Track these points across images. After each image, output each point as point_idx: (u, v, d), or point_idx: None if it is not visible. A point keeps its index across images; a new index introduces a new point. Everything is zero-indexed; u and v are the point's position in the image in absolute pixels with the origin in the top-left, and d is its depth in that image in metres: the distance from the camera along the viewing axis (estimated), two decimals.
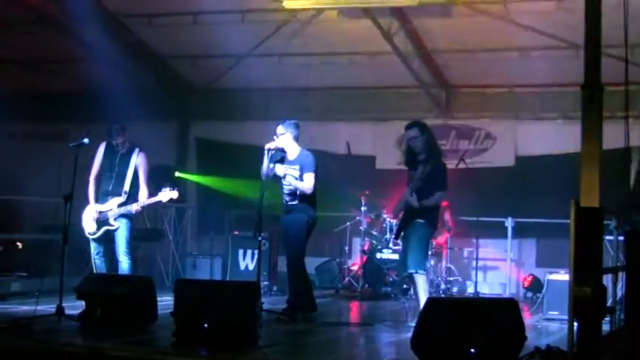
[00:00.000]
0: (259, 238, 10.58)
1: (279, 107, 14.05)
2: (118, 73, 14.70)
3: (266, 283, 13.85)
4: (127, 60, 14.88)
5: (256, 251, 11.69)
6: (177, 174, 16.01)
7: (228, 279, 14.42)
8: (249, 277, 13.49)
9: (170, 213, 16.00)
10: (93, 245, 11.12)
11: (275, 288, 14.09)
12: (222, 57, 15.58)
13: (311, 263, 13.41)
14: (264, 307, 10.11)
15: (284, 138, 10.51)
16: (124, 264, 10.99)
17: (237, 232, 14.90)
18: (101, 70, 14.56)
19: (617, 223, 8.28)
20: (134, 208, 10.94)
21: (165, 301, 9.37)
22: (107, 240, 11.08)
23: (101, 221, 10.95)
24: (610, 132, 7.30)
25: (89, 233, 11.06)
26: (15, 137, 18.00)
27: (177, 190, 11.14)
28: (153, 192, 11.05)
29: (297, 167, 10.47)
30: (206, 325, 8.16)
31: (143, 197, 11.00)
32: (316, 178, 10.50)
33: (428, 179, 9.63)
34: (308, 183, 10.40)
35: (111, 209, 10.96)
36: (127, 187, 11.04)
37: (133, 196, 11.02)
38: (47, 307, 9.83)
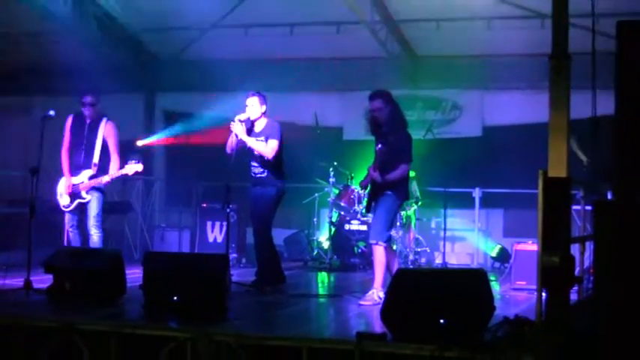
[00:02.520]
0: (227, 210, 10.59)
1: (246, 79, 13.99)
2: (84, 45, 14.59)
3: (235, 255, 13.86)
4: (93, 32, 14.77)
5: (225, 223, 11.67)
6: (138, 143, 15.91)
7: (196, 251, 14.42)
8: (218, 250, 13.48)
9: (138, 185, 15.94)
10: (67, 217, 11.10)
11: (244, 260, 14.11)
12: (188, 28, 15.51)
13: (279, 235, 13.47)
14: (233, 279, 10.14)
15: (254, 109, 10.49)
16: (95, 237, 10.97)
17: (205, 205, 14.87)
18: (67, 43, 14.44)
19: (584, 193, 8.33)
20: (103, 180, 10.91)
21: (134, 274, 9.35)
22: (80, 212, 11.05)
23: (74, 194, 10.93)
24: (576, 102, 7.31)
25: (64, 206, 11.04)
26: None
27: (142, 163, 11.13)
28: (122, 163, 11.03)
29: (263, 138, 10.45)
30: (175, 297, 8.15)
31: (114, 167, 10.98)
32: (281, 147, 10.48)
33: (391, 152, 9.61)
34: (270, 147, 10.37)
35: (82, 182, 10.94)
36: (95, 158, 11.00)
37: (103, 168, 10.99)
38: (15, 281, 9.79)
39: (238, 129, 10.34)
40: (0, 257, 12.13)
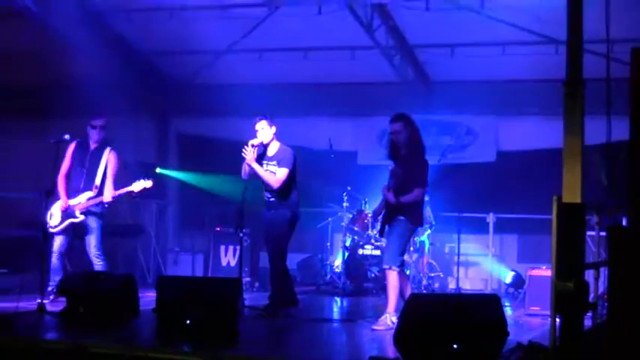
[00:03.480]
0: (241, 235, 10.60)
1: (260, 103, 14.01)
2: (97, 68, 14.63)
3: (248, 279, 13.84)
4: (106, 55, 14.81)
5: (238, 247, 11.67)
6: (158, 170, 15.95)
7: (210, 275, 14.41)
8: (231, 274, 13.50)
9: (151, 209, 15.96)
10: (57, 240, 11.09)
11: (257, 284, 14.08)
12: (201, 52, 15.54)
13: (293, 259, 13.45)
14: (246, 303, 10.15)
15: (265, 133, 10.52)
16: (98, 266, 11.01)
17: (219, 228, 14.87)
18: (80, 65, 14.48)
19: (598, 219, 8.31)
20: (104, 198, 10.94)
21: (147, 297, 9.35)
22: (69, 238, 11.06)
23: (67, 214, 10.92)
24: (590, 128, 7.31)
25: (52, 226, 11.03)
26: None
27: (152, 180, 11.18)
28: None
29: (275, 163, 10.48)
30: (188, 321, 8.16)
31: (109, 192, 11.02)
32: (293, 173, 10.51)
33: (407, 175, 9.62)
34: (277, 177, 10.39)
35: (79, 202, 10.96)
36: (97, 181, 11.09)
37: (102, 192, 11.05)
38: (28, 304, 9.80)
39: (249, 156, 10.36)
40: (13, 280, 12.17)
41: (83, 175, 11.14)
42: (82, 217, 11.03)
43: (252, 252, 14.42)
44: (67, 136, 10.56)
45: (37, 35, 14.39)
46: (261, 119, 10.58)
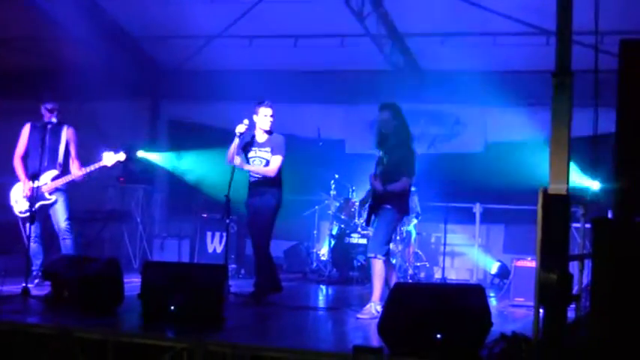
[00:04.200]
0: (227, 221, 10.59)
1: (250, 89, 13.96)
2: (89, 52, 14.60)
3: (234, 266, 13.84)
4: (98, 39, 14.78)
5: (224, 234, 11.67)
6: (139, 153, 15.78)
7: (196, 261, 14.40)
8: (217, 260, 13.48)
9: (138, 194, 15.92)
10: (30, 227, 10.98)
11: (243, 271, 14.08)
12: (192, 37, 15.51)
13: (279, 246, 13.50)
14: (232, 290, 10.15)
15: (271, 120, 10.52)
16: (67, 241, 10.98)
17: (205, 215, 14.86)
18: (72, 49, 14.45)
19: (584, 211, 8.32)
20: (77, 174, 10.89)
21: (133, 283, 9.34)
22: (43, 219, 11.01)
23: (34, 197, 10.81)
24: (578, 119, 7.31)
25: (20, 212, 10.97)
26: None
27: (124, 153, 11.13)
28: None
29: (268, 149, 10.49)
30: (173, 307, 8.16)
31: (76, 170, 10.98)
32: (283, 161, 10.50)
33: (394, 165, 9.62)
34: (273, 165, 10.42)
35: (45, 183, 10.91)
36: (60, 159, 11.04)
37: (65, 171, 11.02)
38: (12, 288, 9.78)
39: (237, 161, 10.37)
40: None
41: (45, 154, 10.97)
42: (53, 198, 10.97)
43: (239, 239, 14.43)
44: (53, 119, 10.54)
45: (29, 19, 14.36)
46: (269, 105, 10.55)
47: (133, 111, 16.70)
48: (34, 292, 9.53)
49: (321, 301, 12.00)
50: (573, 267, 7.12)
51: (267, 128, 10.55)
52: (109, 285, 8.99)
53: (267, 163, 10.52)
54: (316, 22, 14.45)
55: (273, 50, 15.48)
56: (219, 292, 8.35)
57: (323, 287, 13.33)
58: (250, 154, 10.61)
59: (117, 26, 15.57)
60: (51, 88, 15.30)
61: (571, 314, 7.36)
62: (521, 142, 14.86)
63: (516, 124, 15.00)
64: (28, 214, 10.80)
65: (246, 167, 10.51)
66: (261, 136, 10.61)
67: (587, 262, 7.84)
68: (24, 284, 9.48)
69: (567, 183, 6.87)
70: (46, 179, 10.99)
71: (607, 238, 6.47)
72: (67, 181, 11.03)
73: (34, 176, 10.77)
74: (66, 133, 11.22)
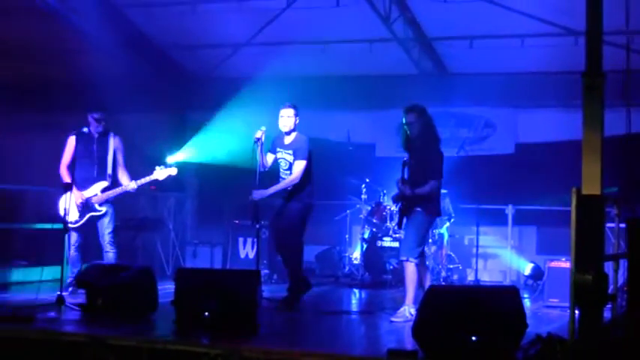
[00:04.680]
0: (258, 227, 10.61)
1: (279, 96, 13.99)
2: (115, 63, 14.66)
3: (266, 271, 13.85)
4: (124, 49, 14.84)
5: (256, 240, 11.70)
6: (168, 159, 15.87)
7: (228, 268, 14.43)
8: (249, 266, 13.50)
9: (169, 202, 15.98)
10: (74, 236, 11.05)
11: (275, 276, 14.07)
12: (219, 46, 15.56)
13: (311, 251, 13.51)
14: (265, 295, 10.15)
15: (289, 121, 10.55)
16: (110, 254, 11.05)
17: (237, 221, 14.88)
18: (98, 60, 14.51)
19: (618, 211, 8.28)
20: (130, 186, 10.94)
21: (166, 290, 9.37)
22: (88, 230, 11.06)
23: (85, 208, 10.89)
24: (610, 119, 7.28)
25: (72, 222, 10.98)
26: (12, 127, 17.91)
27: (176, 167, 11.16)
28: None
29: (291, 152, 10.52)
30: (207, 313, 8.18)
31: (125, 181, 11.03)
32: (310, 163, 10.52)
33: (421, 168, 9.61)
34: (295, 171, 10.44)
35: (95, 194, 10.96)
36: (109, 170, 11.09)
37: (114, 181, 11.04)
38: (48, 296, 9.84)
39: (257, 195, 10.40)
40: (33, 272, 12.23)
41: (94, 165, 11.13)
42: (103, 210, 11.02)
43: (271, 244, 14.41)
44: (85, 129, 10.58)
45: (55, 30, 14.42)
46: (289, 107, 10.59)
47: (160, 121, 16.73)
48: (69, 300, 9.56)
49: (354, 305, 11.99)
50: (608, 267, 7.07)
51: (285, 130, 10.58)
52: (142, 292, 9.05)
53: (290, 165, 10.54)
54: (344, 28, 14.44)
55: (301, 57, 15.48)
56: (253, 298, 8.36)
57: (356, 291, 13.31)
58: (278, 155, 10.66)
59: (143, 36, 15.63)
60: (75, 99, 15.49)
61: (607, 314, 7.32)
62: (552, 143, 14.82)
63: (547, 125, 14.99)
64: (79, 223, 10.99)
65: (271, 190, 10.53)
66: (286, 138, 10.64)
67: (622, 262, 7.81)
68: (59, 292, 9.51)
69: (601, 183, 6.85)
70: (96, 190, 11.05)
71: None
72: (118, 192, 11.07)
73: (80, 186, 11.00)
74: (113, 143, 11.25)
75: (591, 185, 6.79)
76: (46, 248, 12.20)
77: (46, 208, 13.98)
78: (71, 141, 11.24)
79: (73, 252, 11.13)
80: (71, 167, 11.19)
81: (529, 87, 15.03)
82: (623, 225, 7.91)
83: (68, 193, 10.85)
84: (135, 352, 7.41)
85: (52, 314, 9.05)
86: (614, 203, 8.29)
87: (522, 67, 14.65)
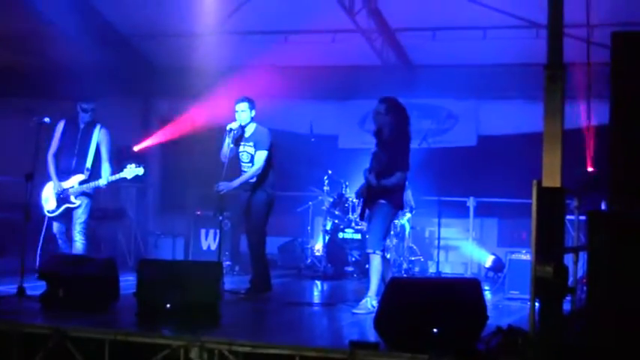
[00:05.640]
0: (220, 218, 10.61)
1: (241, 86, 13.96)
2: (80, 50, 14.57)
3: (228, 263, 13.83)
4: (90, 37, 14.75)
5: (218, 231, 11.68)
6: (135, 148, 15.84)
7: (190, 259, 14.40)
8: (212, 257, 13.43)
9: (131, 192, 15.91)
10: (55, 225, 11.07)
11: (237, 268, 14.06)
12: (183, 35, 15.49)
13: (273, 243, 13.48)
14: (227, 287, 10.15)
15: (244, 115, 10.53)
16: (79, 244, 10.94)
17: (199, 212, 14.85)
18: (64, 47, 14.42)
19: (578, 203, 8.34)
20: (100, 183, 10.90)
21: (128, 281, 9.33)
22: (68, 219, 11.02)
23: (62, 198, 10.90)
24: (570, 112, 7.32)
25: (48, 211, 11.00)
26: None
27: (143, 167, 11.13)
28: (116, 169, 11.05)
29: (252, 144, 10.52)
30: (169, 305, 8.16)
31: (106, 174, 10.97)
32: (270, 154, 10.53)
33: (388, 159, 9.61)
34: (257, 162, 10.44)
35: (72, 186, 10.91)
36: (88, 163, 11.01)
37: (95, 174, 11.00)
38: (8, 288, 9.77)
39: (223, 186, 10.39)
40: None
41: (74, 156, 11.03)
42: (78, 202, 10.97)
43: (233, 236, 14.40)
44: (46, 119, 10.47)
45: (22, 17, 14.30)
46: (242, 101, 10.60)
47: (125, 108, 16.63)
48: (30, 292, 9.49)
49: (317, 297, 12.00)
50: (568, 259, 7.12)
51: (243, 123, 10.57)
52: (104, 284, 8.99)
53: (252, 157, 10.53)
54: (307, 18, 14.41)
55: (264, 46, 15.45)
56: (215, 290, 8.36)
57: (318, 283, 13.32)
58: (240, 149, 10.64)
59: (109, 24, 15.57)
60: (41, 86, 15.38)
61: (567, 307, 7.38)
62: (513, 135, 14.90)
63: (508, 117, 15.08)
64: (55, 213, 10.97)
65: (236, 182, 10.52)
66: (247, 131, 10.64)
67: (582, 255, 7.87)
68: (20, 284, 9.45)
69: (560, 175, 6.89)
70: (74, 182, 10.99)
71: (602, 230, 6.50)
72: (92, 187, 11.02)
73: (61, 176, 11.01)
74: (98, 135, 11.11)
75: (551, 177, 6.83)
76: (6, 238, 12.12)
77: (6, 197, 13.91)
78: (59, 127, 11.20)
79: (60, 241, 11.13)
80: (57, 155, 11.14)
81: (491, 79, 15.10)
82: (582, 217, 7.97)
83: (50, 182, 10.94)
84: (97, 344, 7.39)
85: (13, 306, 8.99)
86: (574, 195, 8.35)
87: (485, 59, 14.72)
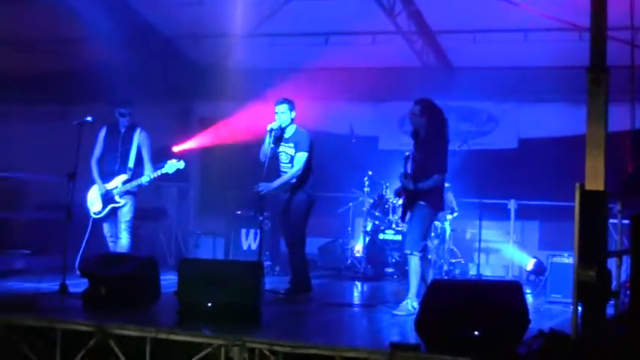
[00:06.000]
0: (261, 218, 10.64)
1: (282, 87, 13.99)
2: (120, 53, 14.67)
3: (268, 263, 13.85)
4: (129, 39, 14.84)
5: (259, 231, 11.71)
6: (174, 149, 15.92)
7: (230, 258, 14.44)
8: (252, 257, 13.48)
9: (172, 192, 16.00)
10: (105, 227, 11.39)
11: (277, 268, 14.07)
12: (224, 36, 15.55)
13: (314, 244, 13.50)
14: (267, 287, 10.16)
15: (284, 116, 10.56)
16: (124, 240, 11.16)
17: (239, 212, 14.88)
18: (104, 50, 14.52)
19: (621, 207, 8.28)
20: (143, 180, 11.07)
21: (169, 280, 9.38)
22: (115, 219, 11.22)
23: (107, 199, 11.12)
24: (614, 115, 7.27)
25: (94, 213, 11.23)
26: (17, 118, 17.90)
27: (183, 162, 11.29)
28: (157, 168, 11.22)
29: (292, 145, 10.54)
30: (209, 304, 8.21)
31: (148, 172, 11.16)
32: (310, 156, 10.56)
33: (425, 161, 9.60)
34: (297, 164, 10.47)
35: (116, 187, 11.13)
36: (131, 164, 11.26)
37: (137, 173, 11.24)
38: (51, 285, 9.86)
39: (264, 187, 10.42)
40: (36, 261, 12.25)
41: (117, 158, 11.32)
42: (123, 201, 11.19)
43: (273, 236, 14.40)
44: (89, 118, 10.57)
45: (60, 21, 14.42)
46: (282, 102, 10.63)
47: (165, 110, 16.73)
48: (72, 289, 9.57)
49: (357, 298, 12.01)
50: (611, 263, 7.08)
51: (283, 125, 10.60)
52: (145, 282, 9.07)
53: (292, 158, 10.57)
54: (347, 20, 14.43)
55: (304, 48, 15.49)
56: (256, 289, 8.39)
57: (358, 284, 13.32)
58: (279, 149, 10.67)
59: (148, 26, 15.63)
60: (80, 91, 15.50)
61: (610, 311, 7.34)
62: (555, 138, 14.83)
63: (549, 120, 14.99)
64: (101, 214, 11.25)
65: (277, 183, 10.56)
66: (287, 132, 10.67)
67: (625, 259, 7.82)
68: (62, 281, 9.54)
69: (604, 178, 6.85)
70: (117, 182, 11.24)
71: None
72: (135, 185, 11.23)
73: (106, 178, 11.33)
74: (138, 138, 11.38)
75: (595, 181, 6.80)
76: (49, 237, 12.23)
77: (50, 197, 14.05)
78: (101, 134, 11.55)
79: (111, 243, 11.39)
80: (100, 160, 11.46)
81: (532, 82, 15.01)
82: (626, 221, 7.92)
83: (95, 185, 11.29)
84: (138, 342, 7.45)
85: (55, 303, 9.08)
86: (617, 199, 8.30)
87: (526, 62, 14.64)
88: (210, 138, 16.66)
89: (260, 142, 10.62)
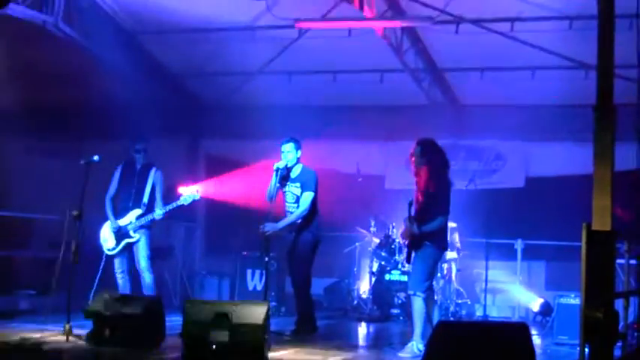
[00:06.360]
0: (266, 259, 10.59)
1: (288, 125, 13.99)
2: (128, 89, 14.67)
3: (274, 303, 13.78)
4: (138, 76, 14.85)
5: (264, 272, 11.68)
6: (181, 190, 15.89)
7: (236, 299, 14.38)
8: (258, 298, 13.46)
9: (179, 232, 15.96)
10: (117, 262, 11.49)
11: (283, 309, 14.01)
12: (231, 74, 15.58)
13: (319, 284, 13.44)
14: (273, 328, 10.09)
15: (290, 155, 10.56)
16: (147, 278, 11.38)
17: (245, 253, 14.84)
18: (111, 87, 14.53)
19: (628, 247, 8.21)
20: (156, 215, 11.15)
21: (173, 321, 9.32)
22: (128, 256, 11.36)
23: (121, 234, 11.29)
24: (620, 154, 7.22)
25: (108, 249, 11.35)
26: (26, 153, 17.88)
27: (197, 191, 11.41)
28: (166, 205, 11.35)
29: (299, 184, 10.54)
30: (214, 345, 8.14)
31: (160, 210, 11.24)
32: (316, 195, 10.52)
33: (428, 203, 9.54)
34: (303, 204, 10.46)
35: (130, 222, 11.22)
36: (145, 199, 11.43)
37: (150, 208, 11.35)
38: (55, 326, 9.79)
39: (269, 227, 10.41)
40: (41, 301, 12.20)
41: (131, 195, 11.51)
42: (137, 236, 11.33)
43: (279, 276, 14.37)
44: (95, 158, 10.56)
45: (69, 56, 14.42)
46: (288, 142, 10.62)
47: (172, 147, 16.71)
48: (78, 330, 9.51)
49: (362, 339, 11.93)
50: (618, 304, 7.01)
51: (289, 164, 10.62)
52: (150, 324, 9.02)
53: (297, 198, 10.56)
54: (355, 58, 14.46)
55: (312, 86, 15.50)
56: (262, 330, 8.32)
57: (364, 325, 13.25)
58: (285, 189, 10.67)
59: (156, 63, 15.66)
60: (90, 126, 15.52)
61: (617, 352, 7.25)
62: (562, 177, 14.77)
63: (557, 158, 14.94)
64: (115, 250, 11.39)
65: (282, 224, 10.56)
66: (293, 171, 10.66)
67: (633, 300, 7.74)
68: (66, 323, 9.48)
69: (611, 218, 6.79)
70: (131, 218, 11.38)
71: None
72: (149, 220, 11.39)
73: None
74: (153, 176, 11.62)
75: (602, 220, 6.74)
76: (53, 277, 12.17)
77: (57, 235, 13.96)
78: (117, 172, 11.75)
79: (120, 280, 11.51)
80: (114, 197, 11.64)
81: (540, 120, 14.97)
82: (633, 261, 7.85)
83: (107, 222, 11.41)
84: None
85: (60, 345, 9.01)
86: (624, 239, 8.23)
87: (533, 100, 14.61)
88: (216, 189, 16.57)
89: (265, 180, 10.61)
